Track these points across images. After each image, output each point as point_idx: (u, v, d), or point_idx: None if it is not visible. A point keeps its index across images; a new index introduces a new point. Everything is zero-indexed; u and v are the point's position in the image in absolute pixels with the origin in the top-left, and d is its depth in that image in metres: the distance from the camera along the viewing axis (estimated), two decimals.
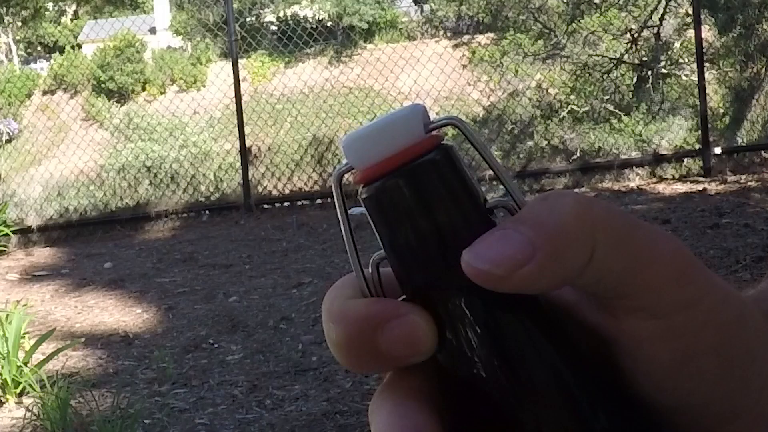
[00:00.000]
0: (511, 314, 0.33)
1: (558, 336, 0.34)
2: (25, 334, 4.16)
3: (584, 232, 0.31)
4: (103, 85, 12.49)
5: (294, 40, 11.30)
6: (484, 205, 0.34)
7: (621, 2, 8.90)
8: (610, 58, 8.73)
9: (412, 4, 15.33)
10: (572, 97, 8.94)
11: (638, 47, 8.79)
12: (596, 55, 8.83)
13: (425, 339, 0.32)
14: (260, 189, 8.82)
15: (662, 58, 8.72)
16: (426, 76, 9.90)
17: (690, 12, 8.28)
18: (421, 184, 0.33)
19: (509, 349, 0.33)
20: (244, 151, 8.27)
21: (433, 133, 0.34)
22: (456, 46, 11.65)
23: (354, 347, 0.33)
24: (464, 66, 10.48)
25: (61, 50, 15.38)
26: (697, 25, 7.86)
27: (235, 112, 8.32)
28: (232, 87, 8.28)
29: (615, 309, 0.34)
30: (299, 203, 8.18)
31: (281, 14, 15.30)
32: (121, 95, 12.48)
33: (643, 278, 0.33)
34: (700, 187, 7.10)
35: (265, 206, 8.19)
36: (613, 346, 0.34)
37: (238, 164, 8.50)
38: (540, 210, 0.32)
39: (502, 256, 0.31)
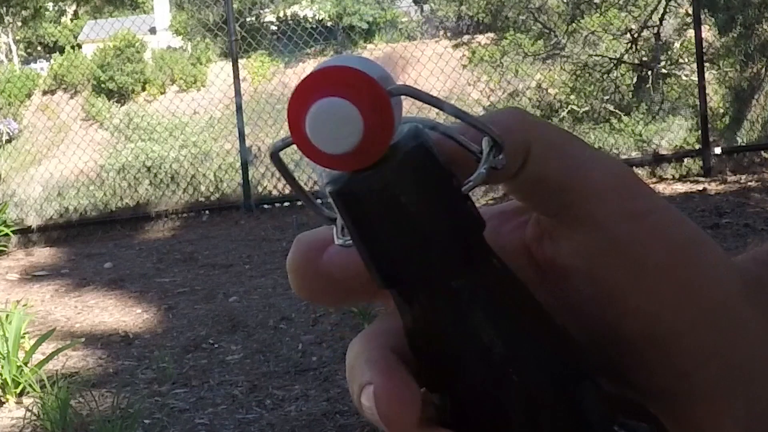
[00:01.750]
0: (500, 298, 0.33)
1: (530, 304, 0.33)
2: (25, 334, 4.16)
3: (518, 128, 0.33)
4: (103, 85, 12.50)
5: (294, 40, 11.31)
6: (460, 188, 0.32)
7: (621, 2, 8.90)
8: (610, 58, 8.73)
9: (412, 4, 15.34)
10: (572, 97, 8.94)
11: (638, 47, 8.79)
12: (596, 55, 8.83)
13: (360, 264, 0.33)
14: (260, 189, 8.82)
15: (662, 58, 8.72)
16: (426, 76, 9.90)
17: (690, 12, 8.27)
18: (389, 179, 0.31)
19: (499, 326, 0.32)
20: (244, 151, 8.27)
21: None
22: (456, 46, 11.65)
23: (301, 268, 0.34)
24: (464, 66, 10.48)
25: (61, 50, 15.39)
26: (697, 25, 7.86)
27: (235, 112, 8.32)
28: (232, 87, 8.28)
29: (563, 224, 0.34)
30: (299, 203, 8.17)
31: (281, 14, 15.31)
32: (121, 95, 12.49)
33: (583, 182, 0.33)
34: (700, 187, 7.10)
35: (265, 206, 8.19)
36: (571, 277, 0.35)
37: (238, 164, 8.51)
38: (481, 116, 0.34)
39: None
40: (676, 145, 8.11)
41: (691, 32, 8.29)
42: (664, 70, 8.66)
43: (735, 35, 8.66)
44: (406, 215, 0.31)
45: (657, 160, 7.90)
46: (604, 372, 0.34)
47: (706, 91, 7.95)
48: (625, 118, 8.35)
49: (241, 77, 8.40)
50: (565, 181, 0.33)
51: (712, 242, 0.36)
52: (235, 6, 10.00)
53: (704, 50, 8.01)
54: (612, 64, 8.72)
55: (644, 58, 8.80)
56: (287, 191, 8.93)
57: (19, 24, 21.07)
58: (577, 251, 0.34)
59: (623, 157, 8.05)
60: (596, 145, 8.28)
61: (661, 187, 7.39)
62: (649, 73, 8.62)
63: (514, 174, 0.33)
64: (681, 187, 7.24)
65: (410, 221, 0.31)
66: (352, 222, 0.32)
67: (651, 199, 0.35)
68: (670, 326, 0.34)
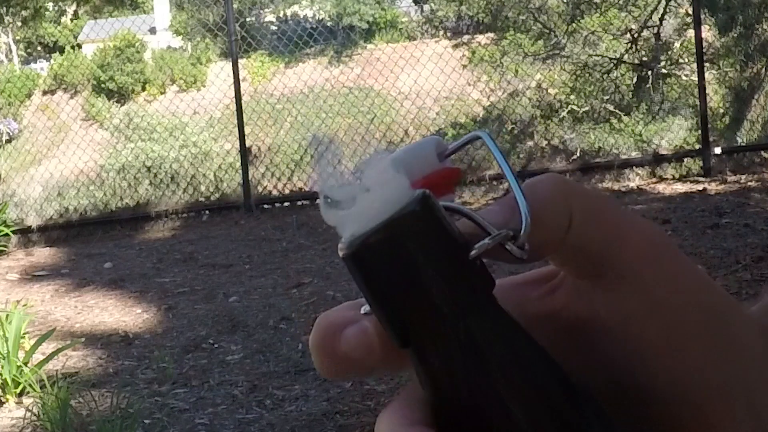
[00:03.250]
0: (508, 344, 0.34)
1: (535, 347, 0.34)
2: (25, 334, 4.16)
3: (560, 198, 0.35)
4: (103, 85, 12.50)
5: (294, 40, 11.30)
6: (468, 249, 0.34)
7: (621, 2, 8.90)
8: (610, 58, 8.72)
9: (412, 4, 15.34)
10: (572, 97, 8.93)
11: (638, 47, 8.79)
12: (596, 55, 8.82)
13: (374, 343, 0.35)
14: (260, 189, 8.82)
15: (662, 58, 8.72)
16: (426, 76, 9.90)
17: (690, 12, 8.27)
18: (399, 241, 0.33)
19: (511, 377, 0.34)
20: (244, 151, 8.27)
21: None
22: (456, 46, 11.65)
23: (321, 350, 0.36)
24: (464, 66, 10.48)
25: (61, 50, 15.38)
26: (697, 25, 7.85)
27: (235, 112, 8.32)
28: (232, 87, 8.27)
29: (602, 285, 0.36)
30: (299, 203, 8.17)
31: (281, 14, 15.31)
32: (121, 95, 12.48)
33: (623, 247, 0.35)
34: (700, 187, 7.09)
35: (265, 206, 8.18)
36: (605, 339, 0.36)
37: (238, 164, 8.50)
38: (524, 185, 0.36)
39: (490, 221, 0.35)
40: (676, 145, 8.11)
41: (691, 32, 8.29)
42: (664, 70, 8.65)
43: (735, 35, 8.66)
44: (408, 270, 0.33)
45: (657, 160, 7.89)
46: (631, 427, 0.36)
47: (706, 91, 7.94)
48: (625, 118, 8.35)
49: (241, 77, 8.40)
50: (606, 248, 0.35)
51: (736, 303, 0.37)
52: (235, 6, 9.99)
53: (704, 50, 8.01)
54: (612, 64, 8.71)
55: (644, 58, 8.80)
56: (287, 191, 8.93)
57: (19, 24, 21.07)
58: (614, 312, 0.36)
59: (623, 157, 8.04)
60: (596, 146, 8.28)
61: (661, 187, 7.39)
62: (649, 73, 8.61)
63: (561, 233, 0.35)
64: (681, 187, 7.24)
65: (412, 276, 0.33)
66: (362, 280, 0.34)
67: (683, 262, 0.36)
68: (701, 386, 0.35)
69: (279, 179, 9.10)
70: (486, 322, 0.33)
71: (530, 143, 8.87)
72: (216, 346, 4.34)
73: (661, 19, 8.63)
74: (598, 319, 0.36)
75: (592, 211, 0.35)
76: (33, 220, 8.24)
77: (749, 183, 7.07)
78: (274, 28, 14.35)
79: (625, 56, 8.76)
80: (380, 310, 0.34)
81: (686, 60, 8.59)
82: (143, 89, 12.72)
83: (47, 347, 4.21)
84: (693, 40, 8.05)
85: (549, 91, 9.30)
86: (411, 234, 0.33)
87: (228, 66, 8.78)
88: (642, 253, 0.35)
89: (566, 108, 8.82)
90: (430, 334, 0.33)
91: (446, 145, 0.37)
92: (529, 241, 0.34)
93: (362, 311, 0.35)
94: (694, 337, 0.35)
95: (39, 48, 25.48)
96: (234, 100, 8.32)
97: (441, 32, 12.64)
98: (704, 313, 0.36)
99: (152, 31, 19.85)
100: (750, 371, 0.36)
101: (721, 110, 8.74)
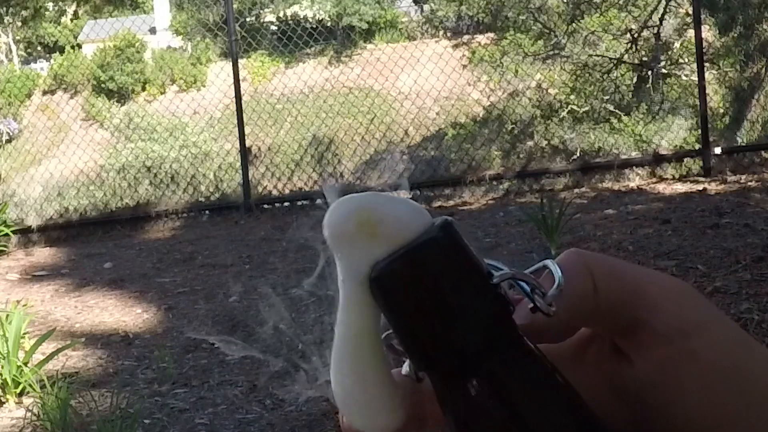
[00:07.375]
0: (530, 382, 0.35)
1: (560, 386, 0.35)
2: (25, 334, 4.15)
3: (580, 264, 0.38)
4: (103, 85, 12.50)
5: (294, 40, 11.30)
6: (490, 278, 0.35)
7: (621, 2, 8.90)
8: (610, 58, 8.73)
9: (412, 4, 15.34)
10: (572, 97, 8.93)
11: (638, 47, 8.79)
12: (596, 55, 8.82)
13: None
14: (260, 189, 8.82)
15: (662, 58, 8.72)
16: (426, 76, 9.90)
17: (690, 12, 8.27)
18: (423, 266, 0.34)
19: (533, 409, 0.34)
20: (244, 151, 8.27)
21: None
22: (456, 46, 11.65)
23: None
24: (464, 66, 10.48)
25: (61, 50, 15.38)
26: (697, 25, 7.85)
27: (235, 112, 8.32)
28: (232, 87, 8.27)
29: (636, 339, 0.38)
30: (299, 203, 8.17)
31: (281, 14, 15.32)
32: (121, 95, 12.49)
33: (644, 297, 0.38)
34: (700, 187, 7.09)
35: (265, 206, 8.18)
36: (647, 393, 0.38)
37: (238, 164, 8.50)
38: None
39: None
40: (676, 145, 8.11)
41: (691, 32, 8.28)
42: (664, 70, 8.66)
43: (735, 35, 8.66)
44: (429, 295, 0.34)
45: (657, 160, 7.89)
46: None
47: (706, 91, 7.94)
48: (625, 118, 8.35)
49: (241, 77, 8.40)
50: (629, 298, 0.38)
51: (757, 343, 0.39)
52: (235, 6, 9.99)
53: (704, 50, 8.00)
54: (612, 64, 8.72)
55: (644, 58, 8.80)
56: (287, 191, 8.93)
57: (19, 24, 21.07)
58: (649, 362, 0.38)
59: (623, 157, 8.04)
60: (596, 146, 8.28)
61: (661, 187, 7.38)
62: (649, 73, 8.61)
63: (591, 300, 0.38)
64: (681, 187, 7.23)
65: (434, 301, 0.34)
66: (385, 304, 0.35)
67: (708, 309, 0.39)
68: (724, 423, 0.37)
69: (279, 179, 9.10)
70: (504, 354, 0.34)
71: (530, 143, 8.87)
72: (216, 346, 4.34)
73: (661, 19, 8.63)
74: (638, 376, 0.38)
75: (612, 271, 0.39)
76: (33, 220, 8.24)
77: (749, 183, 7.06)
78: (274, 28, 14.35)
79: (625, 56, 8.76)
80: (402, 334, 0.35)
81: (686, 60, 8.59)
82: (143, 89, 12.72)
83: (47, 347, 4.21)
84: (693, 40, 8.04)
85: (549, 91, 9.30)
86: (434, 260, 0.34)
87: (228, 66, 8.78)
88: (664, 301, 0.38)
89: (566, 108, 8.82)
90: (450, 358, 0.34)
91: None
92: (568, 309, 0.37)
93: (383, 336, 0.37)
94: (718, 377, 0.37)
95: (39, 48, 25.48)
96: (234, 100, 8.32)
97: (441, 32, 12.65)
98: (726, 353, 0.38)
99: (152, 31, 19.84)
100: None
101: (721, 110, 8.74)
